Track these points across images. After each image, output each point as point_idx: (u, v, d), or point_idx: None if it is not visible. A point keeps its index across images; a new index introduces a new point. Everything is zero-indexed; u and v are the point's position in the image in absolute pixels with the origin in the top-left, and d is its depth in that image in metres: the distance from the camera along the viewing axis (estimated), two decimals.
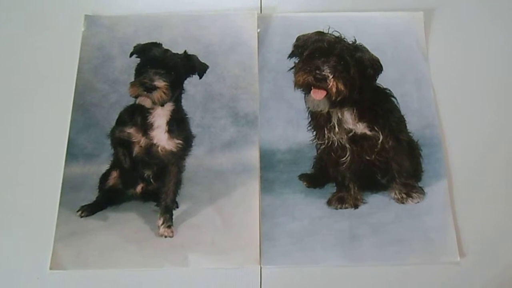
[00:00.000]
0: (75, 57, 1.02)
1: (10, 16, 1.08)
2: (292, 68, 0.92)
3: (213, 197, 0.92)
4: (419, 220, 0.89)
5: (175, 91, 0.91)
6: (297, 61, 0.92)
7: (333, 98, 0.88)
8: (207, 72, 0.95)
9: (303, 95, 0.92)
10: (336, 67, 0.87)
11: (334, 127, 0.92)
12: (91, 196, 0.93)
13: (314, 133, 0.95)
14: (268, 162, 0.95)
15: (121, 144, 0.93)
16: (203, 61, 0.95)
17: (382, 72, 0.91)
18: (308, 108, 0.93)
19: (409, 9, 1.06)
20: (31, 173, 0.94)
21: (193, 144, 0.96)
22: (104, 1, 1.09)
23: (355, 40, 0.91)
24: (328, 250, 0.87)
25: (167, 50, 0.93)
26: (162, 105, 0.90)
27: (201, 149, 0.96)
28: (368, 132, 0.92)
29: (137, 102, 0.89)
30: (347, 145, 0.92)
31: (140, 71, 0.90)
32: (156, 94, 0.88)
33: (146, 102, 0.89)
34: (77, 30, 1.04)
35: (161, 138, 0.92)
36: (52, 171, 0.93)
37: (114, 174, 0.94)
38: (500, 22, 1.07)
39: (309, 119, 0.95)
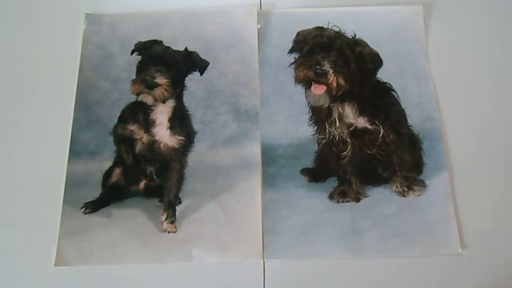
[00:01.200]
0: (77, 55, 1.02)
1: (11, 16, 1.08)
2: (292, 63, 0.92)
3: (216, 192, 0.93)
4: (420, 213, 0.90)
5: (177, 88, 0.92)
6: (297, 57, 0.92)
7: (334, 92, 0.88)
8: (208, 68, 0.96)
9: (304, 90, 0.92)
10: (336, 62, 0.88)
11: (335, 122, 0.92)
12: (94, 192, 0.93)
13: (315, 127, 0.95)
14: (270, 157, 0.95)
15: (123, 141, 0.94)
16: (203, 58, 0.96)
17: (382, 66, 0.91)
18: (309, 103, 0.94)
19: (408, 3, 1.06)
20: (34, 171, 0.94)
21: (195, 140, 0.96)
22: (105, 0, 1.09)
23: (354, 34, 0.91)
24: (330, 243, 0.87)
25: (167, 47, 0.93)
26: (164, 102, 0.91)
27: (203, 145, 0.97)
28: (369, 126, 0.92)
29: (138, 99, 0.90)
30: (348, 139, 0.93)
31: (141, 68, 0.90)
32: (158, 91, 0.88)
33: (147, 99, 0.89)
34: (78, 29, 1.05)
35: (163, 135, 0.92)
36: (56, 169, 0.94)
37: (117, 170, 0.95)
38: (499, 15, 1.07)
39: (310, 114, 0.96)
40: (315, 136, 0.96)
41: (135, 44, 0.94)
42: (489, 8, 1.08)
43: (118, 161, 0.95)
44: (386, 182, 0.95)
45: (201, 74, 0.95)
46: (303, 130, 0.97)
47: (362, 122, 0.92)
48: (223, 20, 1.05)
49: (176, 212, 0.92)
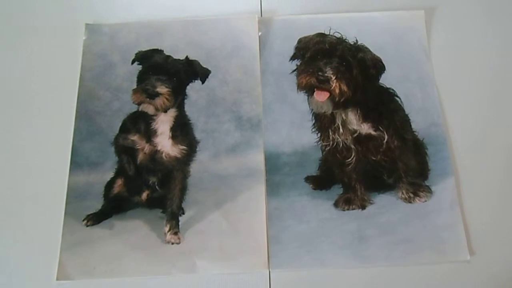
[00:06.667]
0: (77, 65, 1.02)
1: (11, 27, 1.08)
2: (294, 70, 0.92)
3: (219, 202, 0.92)
4: (427, 219, 0.89)
5: (178, 97, 0.91)
6: (299, 63, 0.92)
7: (337, 99, 0.87)
8: (209, 77, 0.95)
9: (306, 97, 0.91)
10: (338, 68, 0.87)
11: (339, 128, 0.91)
12: (96, 204, 0.92)
13: (319, 134, 0.94)
14: (273, 165, 0.94)
15: (125, 151, 0.93)
16: (205, 66, 0.95)
17: (385, 71, 0.91)
18: (312, 110, 0.93)
19: (409, 8, 1.06)
20: (35, 183, 0.93)
21: (197, 149, 0.95)
22: (105, 10, 1.09)
23: (356, 40, 0.90)
24: (336, 252, 0.86)
25: (168, 56, 0.92)
26: (165, 111, 0.90)
27: (206, 154, 0.96)
28: (373, 132, 0.91)
29: (140, 109, 0.89)
30: (352, 146, 0.92)
31: (142, 78, 0.90)
32: (159, 101, 0.87)
33: (149, 108, 0.88)
34: (78, 39, 1.04)
35: (165, 145, 0.91)
36: (57, 181, 0.93)
37: (119, 181, 0.94)
38: (501, 18, 1.07)
39: (313, 121, 0.95)
40: (318, 143, 0.95)
41: (136, 54, 0.94)
42: (490, 12, 1.08)
43: (119, 172, 0.95)
44: (391, 188, 0.94)
45: (203, 82, 0.94)
46: (306, 138, 0.96)
47: (366, 128, 0.91)
48: (224, 28, 1.05)
49: (180, 223, 0.91)
